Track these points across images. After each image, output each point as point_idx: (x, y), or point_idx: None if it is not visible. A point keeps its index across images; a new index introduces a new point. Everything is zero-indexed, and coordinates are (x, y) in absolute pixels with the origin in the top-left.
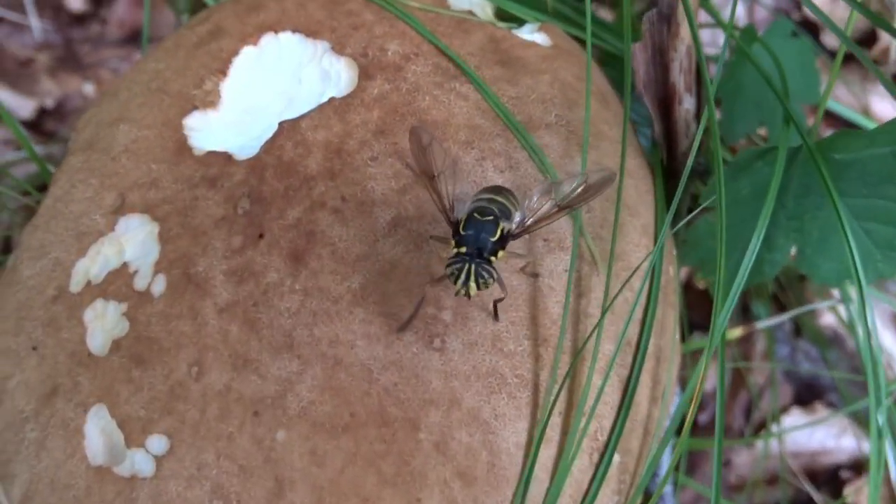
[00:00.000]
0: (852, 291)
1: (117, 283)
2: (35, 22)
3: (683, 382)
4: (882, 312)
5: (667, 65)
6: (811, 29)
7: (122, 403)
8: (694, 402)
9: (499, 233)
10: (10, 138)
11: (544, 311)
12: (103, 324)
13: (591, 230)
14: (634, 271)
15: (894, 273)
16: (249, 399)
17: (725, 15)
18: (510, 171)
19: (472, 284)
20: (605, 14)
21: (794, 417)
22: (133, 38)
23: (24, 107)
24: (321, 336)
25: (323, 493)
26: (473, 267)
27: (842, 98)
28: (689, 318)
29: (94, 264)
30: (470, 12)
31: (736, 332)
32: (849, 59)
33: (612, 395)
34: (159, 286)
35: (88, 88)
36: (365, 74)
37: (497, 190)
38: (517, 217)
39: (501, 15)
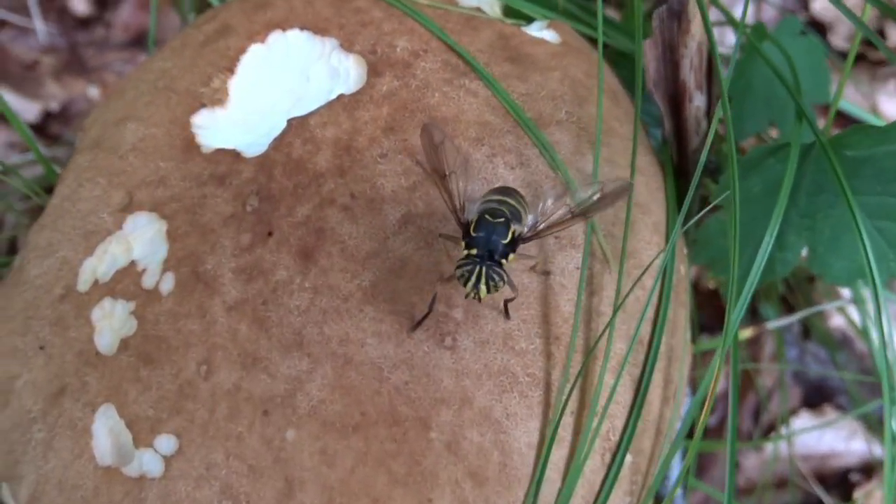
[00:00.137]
0: (864, 292)
1: (125, 281)
2: (40, 25)
3: (693, 383)
4: (894, 313)
5: (677, 62)
6: (818, 29)
7: (130, 403)
8: (707, 403)
9: (510, 236)
10: (15, 141)
11: (556, 309)
12: (111, 323)
13: (603, 228)
14: (646, 269)
15: None
16: (259, 398)
17: (734, 13)
18: (521, 168)
19: (483, 287)
20: (612, 13)
21: (803, 420)
22: (138, 42)
23: (28, 110)
24: (331, 334)
25: (333, 494)
26: (484, 270)
27: (850, 97)
28: (696, 319)
29: (101, 263)
30: (478, 9)
31: (747, 333)
32: (856, 59)
33: (625, 395)
34: (168, 284)
35: (93, 92)
36: (374, 71)
37: (506, 191)
38: (529, 220)
39: (509, 12)
